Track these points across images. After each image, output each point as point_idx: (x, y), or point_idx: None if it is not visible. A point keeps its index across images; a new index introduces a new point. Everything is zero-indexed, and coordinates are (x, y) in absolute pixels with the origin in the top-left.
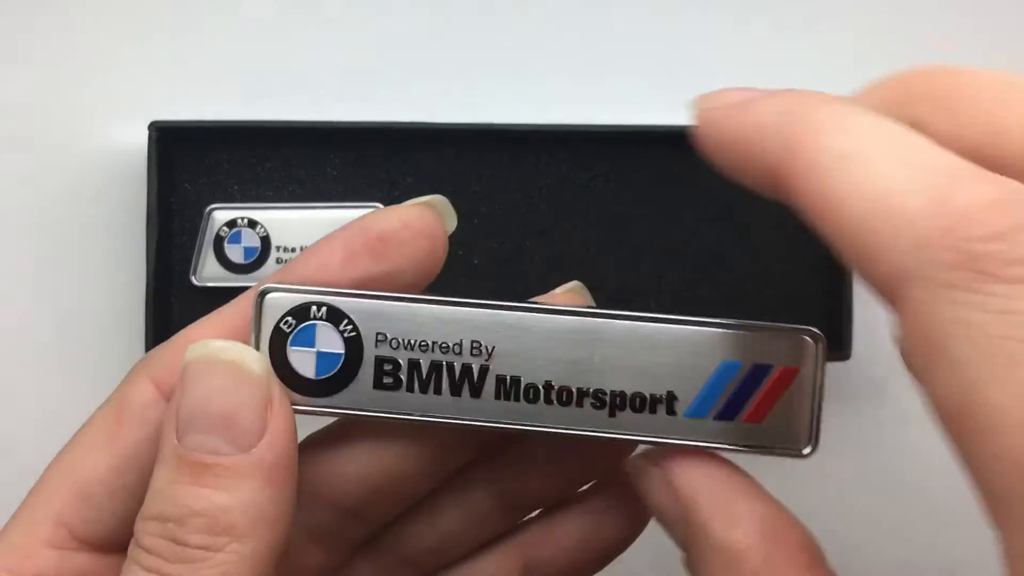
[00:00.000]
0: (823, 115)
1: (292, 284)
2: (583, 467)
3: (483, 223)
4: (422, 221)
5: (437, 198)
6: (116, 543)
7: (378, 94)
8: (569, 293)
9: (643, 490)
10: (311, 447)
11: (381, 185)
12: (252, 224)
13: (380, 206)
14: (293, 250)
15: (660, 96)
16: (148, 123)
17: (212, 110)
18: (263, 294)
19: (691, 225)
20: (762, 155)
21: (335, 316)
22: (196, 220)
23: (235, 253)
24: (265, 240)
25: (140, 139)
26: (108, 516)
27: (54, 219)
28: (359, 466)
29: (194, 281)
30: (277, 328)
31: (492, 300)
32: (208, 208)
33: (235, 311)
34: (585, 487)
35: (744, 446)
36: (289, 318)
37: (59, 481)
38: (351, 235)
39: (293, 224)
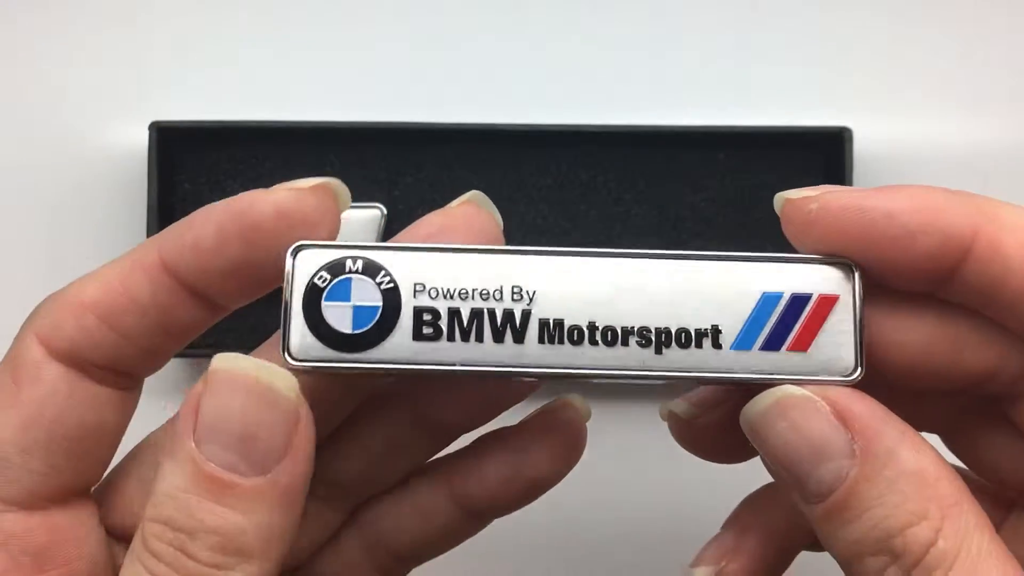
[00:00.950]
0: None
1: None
2: (496, 396)
3: None
4: (301, 208)
5: (331, 181)
6: (39, 499)
7: (379, 94)
8: (468, 204)
9: (790, 423)
10: None
11: (381, 185)
12: None
13: (380, 206)
14: None
15: (660, 96)
16: (148, 123)
17: (212, 110)
18: (296, 251)
19: (691, 225)
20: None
21: (371, 269)
22: None
23: None
24: None
25: (140, 139)
26: (24, 475)
27: (54, 219)
28: None
29: None
30: (311, 284)
31: (531, 246)
32: None
33: (122, 266)
34: (512, 425)
35: (793, 374)
36: (324, 273)
37: None
38: (225, 215)
39: None
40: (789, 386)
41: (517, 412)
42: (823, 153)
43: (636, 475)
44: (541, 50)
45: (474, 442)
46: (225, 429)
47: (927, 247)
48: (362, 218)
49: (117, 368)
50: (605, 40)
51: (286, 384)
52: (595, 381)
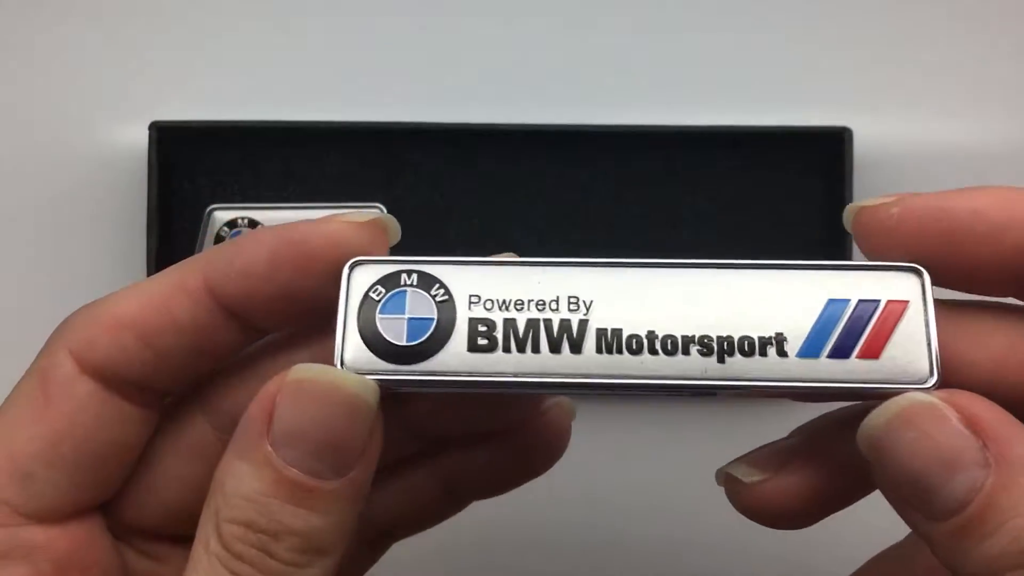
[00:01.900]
0: None
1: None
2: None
3: (483, 223)
4: (355, 242)
5: (384, 217)
6: (61, 513)
7: (378, 94)
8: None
9: (920, 433)
10: None
11: (381, 185)
12: (252, 224)
13: (380, 206)
14: None
15: (660, 96)
16: (148, 123)
17: (212, 110)
18: (352, 267)
19: (691, 225)
20: None
21: (426, 281)
22: (196, 220)
23: None
24: None
25: (140, 139)
26: (50, 489)
27: (54, 219)
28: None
29: None
30: (366, 297)
31: (588, 258)
32: (208, 208)
33: (163, 285)
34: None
35: (866, 383)
36: (379, 287)
37: None
38: (279, 243)
39: None
40: (914, 393)
41: None
42: (823, 153)
43: (636, 474)
44: (541, 50)
45: (463, 440)
46: (308, 437)
47: (1017, 241)
48: None
49: (148, 387)
50: (605, 40)
51: (370, 393)
52: (655, 392)
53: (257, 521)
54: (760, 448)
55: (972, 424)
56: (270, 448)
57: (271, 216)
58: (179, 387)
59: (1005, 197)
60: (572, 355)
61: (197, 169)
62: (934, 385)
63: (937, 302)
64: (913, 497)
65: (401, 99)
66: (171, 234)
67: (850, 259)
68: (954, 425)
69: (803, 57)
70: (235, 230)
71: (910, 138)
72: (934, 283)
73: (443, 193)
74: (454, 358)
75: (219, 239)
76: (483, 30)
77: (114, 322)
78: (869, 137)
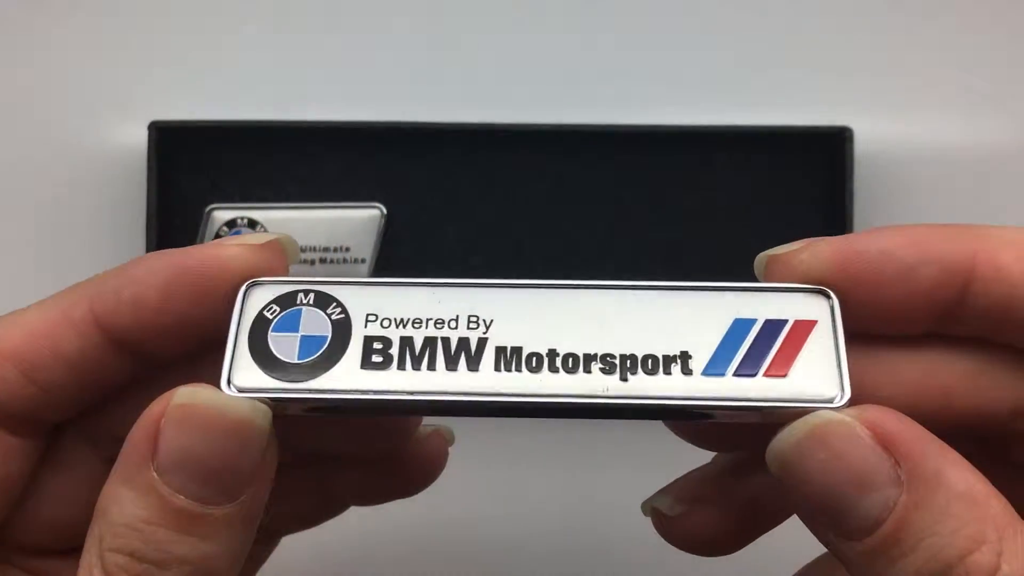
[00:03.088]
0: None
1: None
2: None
3: (483, 223)
4: (253, 266)
5: (281, 238)
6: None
7: (378, 94)
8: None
9: (831, 453)
10: None
11: (381, 185)
12: (252, 224)
13: (380, 206)
14: None
15: (660, 96)
16: (148, 123)
17: (212, 110)
18: (249, 287)
19: (691, 225)
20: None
21: (323, 300)
22: (196, 220)
23: None
24: None
25: (140, 139)
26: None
27: (54, 219)
28: None
29: None
30: (260, 316)
31: (492, 279)
32: (208, 208)
33: (47, 316)
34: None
35: (773, 402)
36: (274, 306)
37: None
38: (171, 271)
39: (293, 224)
40: (825, 411)
41: None
42: (823, 153)
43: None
44: (541, 50)
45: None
46: (196, 463)
47: (928, 278)
48: (362, 218)
49: (32, 419)
50: (605, 40)
51: (260, 416)
52: (554, 413)
53: (142, 550)
54: (683, 477)
55: (884, 441)
56: (155, 474)
57: (271, 216)
58: (67, 417)
59: (914, 236)
60: (469, 373)
61: (197, 169)
62: (844, 403)
63: (849, 334)
64: (825, 517)
65: (401, 99)
66: (171, 234)
67: None
68: (866, 443)
69: (803, 57)
70: (235, 229)
71: (910, 138)
72: (849, 325)
73: (443, 193)
74: (346, 375)
75: (218, 238)
76: (483, 30)
77: None
78: (869, 137)
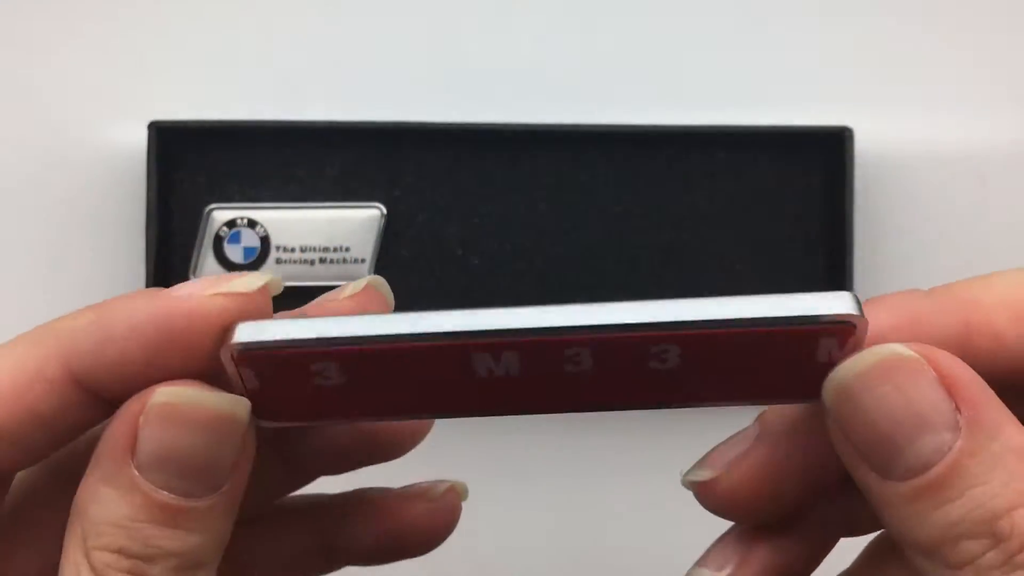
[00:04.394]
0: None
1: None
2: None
3: (483, 223)
4: (244, 313)
5: (270, 281)
6: None
7: (378, 94)
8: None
9: (895, 386)
10: None
11: (381, 185)
12: (252, 224)
13: (380, 206)
14: (292, 250)
15: (660, 96)
16: (148, 123)
17: (212, 110)
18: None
19: (691, 225)
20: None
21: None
22: (196, 220)
23: (235, 253)
24: (264, 240)
25: (140, 139)
26: None
27: (54, 219)
28: None
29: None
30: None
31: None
32: (208, 208)
33: (17, 374)
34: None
35: (790, 313)
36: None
37: None
38: (155, 330)
39: (293, 224)
40: (896, 344)
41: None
42: (823, 153)
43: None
44: (541, 50)
45: (349, 495)
46: (178, 459)
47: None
48: (362, 218)
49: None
50: (605, 40)
51: (241, 408)
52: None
53: (129, 547)
54: (720, 445)
55: (948, 384)
56: (136, 472)
57: (271, 216)
58: (30, 465)
59: (903, 314)
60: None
61: (196, 169)
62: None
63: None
64: (874, 454)
65: (401, 99)
66: (170, 234)
67: (850, 257)
68: (932, 382)
69: (803, 57)
70: (234, 230)
71: (910, 138)
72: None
73: (443, 193)
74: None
75: (218, 239)
76: (484, 30)
77: None
78: (869, 137)
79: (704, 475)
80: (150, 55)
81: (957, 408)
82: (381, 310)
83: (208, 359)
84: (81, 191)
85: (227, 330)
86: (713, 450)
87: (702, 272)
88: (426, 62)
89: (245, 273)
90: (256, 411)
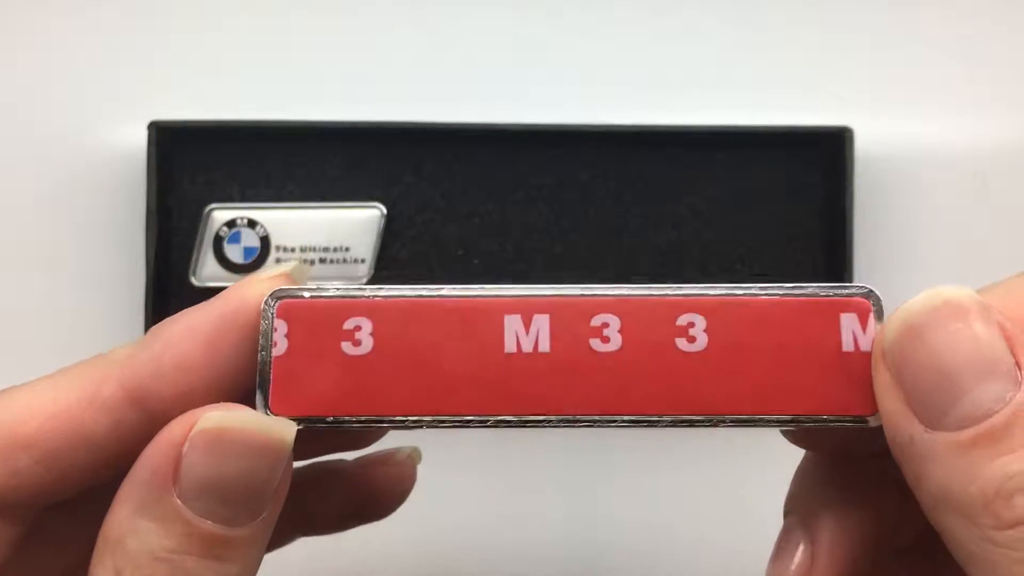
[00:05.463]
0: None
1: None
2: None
3: (483, 223)
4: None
5: (299, 265)
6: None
7: (378, 94)
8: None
9: (966, 326)
10: None
11: (381, 185)
12: (252, 224)
13: (380, 206)
14: (292, 250)
15: (660, 96)
16: (148, 123)
17: (212, 110)
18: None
19: (691, 225)
20: None
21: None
22: (196, 220)
23: (235, 253)
24: (265, 240)
25: (140, 139)
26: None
27: (53, 219)
28: None
29: (193, 281)
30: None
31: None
32: (207, 208)
33: (73, 398)
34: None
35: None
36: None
37: None
38: (214, 324)
39: (293, 224)
40: (965, 289)
41: None
42: (823, 153)
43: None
44: (541, 49)
45: (309, 468)
46: (225, 487)
47: None
48: (362, 218)
49: (33, 506)
50: (605, 40)
51: (291, 432)
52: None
53: None
54: (776, 557)
55: (1010, 338)
56: (179, 501)
57: (271, 216)
58: (73, 495)
59: None
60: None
61: (196, 169)
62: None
63: None
64: (932, 397)
65: (401, 99)
66: (170, 234)
67: (851, 257)
68: (998, 331)
69: (803, 57)
70: (234, 230)
71: (911, 138)
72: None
73: (443, 193)
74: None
75: (218, 239)
76: (483, 30)
77: (8, 442)
78: (870, 137)
79: None
80: (150, 55)
81: (1018, 364)
82: None
83: (248, 349)
84: (81, 191)
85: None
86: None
87: (702, 272)
88: (426, 62)
89: (275, 265)
90: (275, 404)
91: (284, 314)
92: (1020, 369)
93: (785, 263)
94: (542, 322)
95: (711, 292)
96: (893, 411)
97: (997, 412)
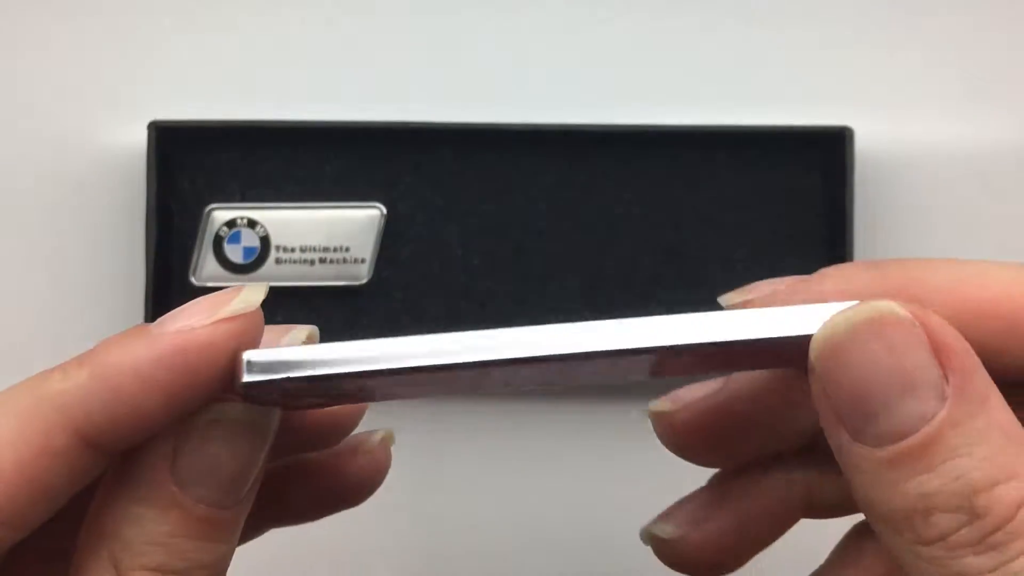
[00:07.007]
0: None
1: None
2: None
3: (483, 223)
4: (240, 341)
5: (260, 289)
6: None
7: (378, 94)
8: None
9: (886, 344)
10: None
11: (381, 185)
12: (252, 224)
13: (380, 206)
14: (292, 250)
15: (660, 96)
16: (148, 123)
17: (212, 110)
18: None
19: (691, 225)
20: None
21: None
22: (196, 220)
23: (234, 253)
24: (264, 240)
25: (140, 139)
26: None
27: (53, 219)
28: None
29: (193, 281)
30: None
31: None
32: (208, 208)
33: (22, 452)
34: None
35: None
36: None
37: None
38: (168, 373)
39: (293, 224)
40: (891, 302)
41: None
42: (823, 153)
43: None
44: (541, 50)
45: (281, 462)
46: (219, 473)
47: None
48: (362, 218)
49: None
50: (605, 40)
51: (276, 417)
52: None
53: (168, 563)
54: (678, 502)
55: (939, 349)
56: (175, 488)
57: (270, 216)
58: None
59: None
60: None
61: (196, 169)
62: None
63: None
64: (854, 414)
65: (401, 99)
66: (170, 234)
67: (851, 257)
68: (922, 344)
69: (803, 57)
70: (234, 230)
71: (910, 138)
72: None
73: (443, 193)
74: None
75: (218, 239)
76: (483, 30)
77: None
78: (869, 137)
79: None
80: (150, 55)
81: (945, 376)
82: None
83: (223, 383)
84: (81, 191)
85: (235, 360)
86: (675, 506)
87: (702, 272)
88: (426, 62)
89: (231, 290)
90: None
91: (258, 392)
92: (947, 381)
93: (785, 263)
94: (529, 372)
95: (682, 339)
96: (823, 417)
97: (917, 430)
